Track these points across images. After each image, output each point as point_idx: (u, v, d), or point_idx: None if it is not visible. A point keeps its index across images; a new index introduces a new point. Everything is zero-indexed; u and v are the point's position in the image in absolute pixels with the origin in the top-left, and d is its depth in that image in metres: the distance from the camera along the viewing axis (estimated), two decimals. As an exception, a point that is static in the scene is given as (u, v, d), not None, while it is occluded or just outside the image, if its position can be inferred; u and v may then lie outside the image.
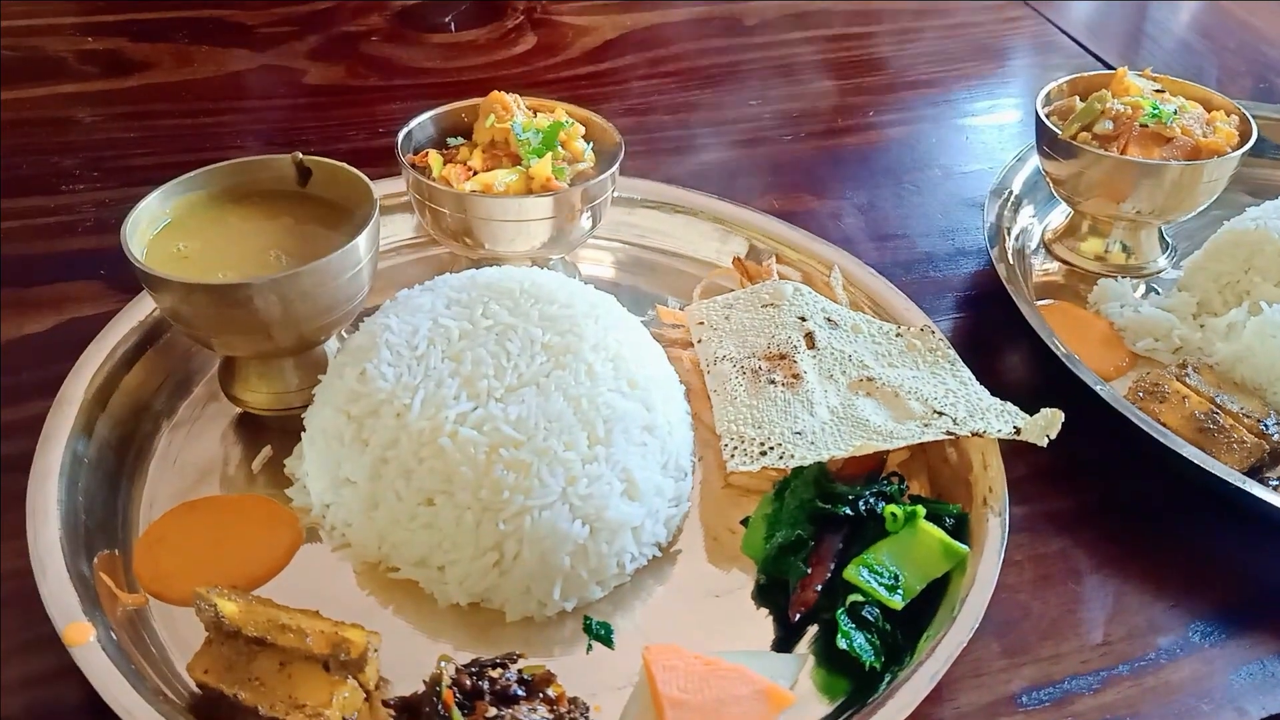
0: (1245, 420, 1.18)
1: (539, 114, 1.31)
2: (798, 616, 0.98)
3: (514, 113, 1.28)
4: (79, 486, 1.04)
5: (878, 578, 0.97)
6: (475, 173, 1.24)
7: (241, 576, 0.99)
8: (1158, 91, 1.45)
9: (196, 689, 0.89)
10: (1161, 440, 1.11)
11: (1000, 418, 1.09)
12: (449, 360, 1.02)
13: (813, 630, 0.99)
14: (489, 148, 1.27)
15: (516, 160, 1.25)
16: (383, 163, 1.33)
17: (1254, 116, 1.40)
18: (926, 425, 1.08)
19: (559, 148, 1.25)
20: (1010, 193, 1.50)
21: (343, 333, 1.18)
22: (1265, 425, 1.18)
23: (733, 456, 1.06)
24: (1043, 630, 1.02)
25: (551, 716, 0.86)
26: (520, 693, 0.86)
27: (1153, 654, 1.01)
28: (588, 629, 0.98)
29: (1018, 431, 1.07)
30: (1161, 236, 1.50)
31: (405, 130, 1.29)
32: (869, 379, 1.14)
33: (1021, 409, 1.10)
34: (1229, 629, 1.03)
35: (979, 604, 0.95)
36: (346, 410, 1.02)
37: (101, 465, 1.08)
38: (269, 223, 1.14)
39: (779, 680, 0.92)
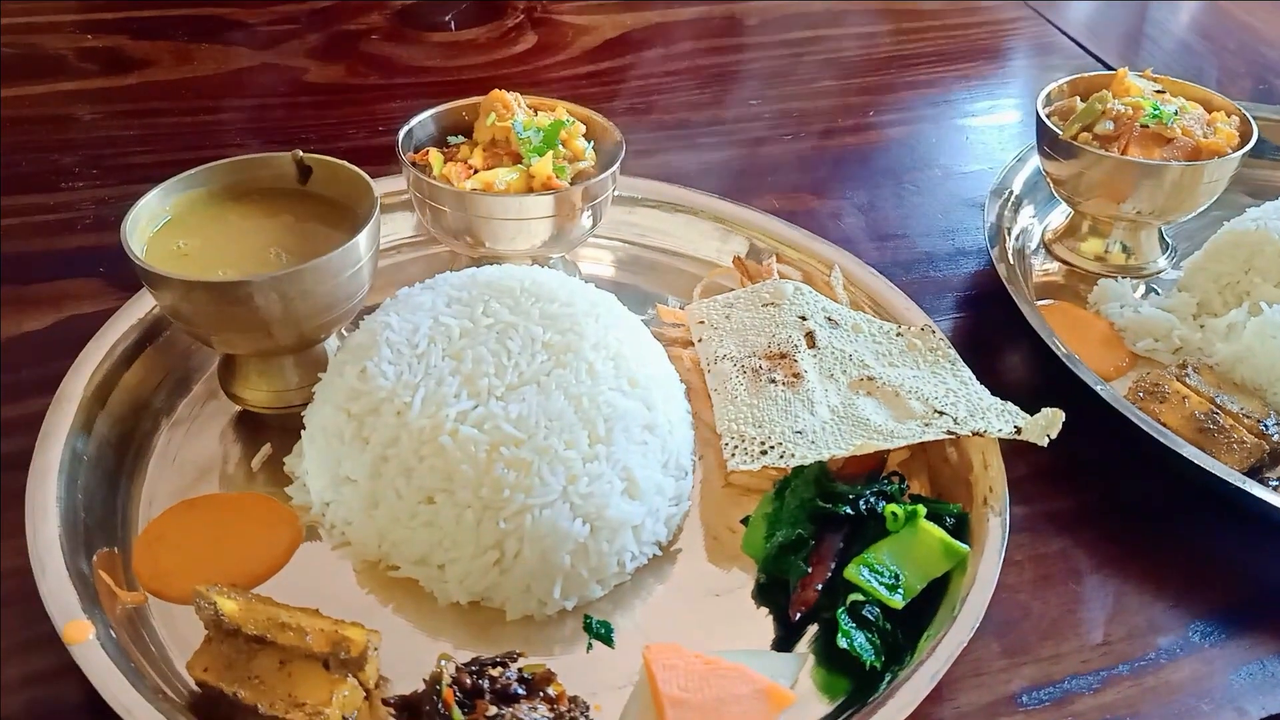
0: (1245, 420, 1.18)
1: (540, 113, 1.31)
2: (798, 616, 0.98)
3: (515, 111, 1.28)
4: (78, 484, 1.04)
5: (878, 577, 0.97)
6: (476, 171, 1.24)
7: (241, 575, 0.99)
8: (1158, 92, 1.46)
9: (196, 687, 0.89)
10: (1162, 440, 1.11)
11: (1001, 417, 1.09)
12: (450, 358, 1.02)
13: (813, 629, 0.99)
14: (490, 146, 1.27)
15: (517, 159, 1.25)
16: (383, 161, 1.34)
17: (1254, 117, 1.40)
18: (927, 425, 1.08)
19: (560, 146, 1.25)
20: (1010, 193, 1.50)
21: (343, 331, 1.18)
22: (1265, 425, 1.18)
23: (733, 455, 1.06)
24: (1043, 630, 1.02)
25: (552, 715, 0.86)
26: (520, 691, 0.86)
27: (1153, 654, 1.01)
28: (588, 628, 0.98)
29: (1018, 431, 1.07)
30: (1161, 237, 1.50)
31: (406, 128, 1.28)
32: (870, 378, 1.14)
33: (1022, 409, 1.10)
34: (1229, 629, 1.03)
35: (979, 604, 0.95)
36: (347, 408, 1.02)
37: (101, 463, 1.08)
38: (269, 220, 1.14)
39: (779, 679, 0.92)
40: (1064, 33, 2.19)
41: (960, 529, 1.03)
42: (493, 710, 0.84)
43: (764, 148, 1.75)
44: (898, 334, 1.22)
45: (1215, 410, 1.18)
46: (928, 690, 0.89)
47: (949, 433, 1.07)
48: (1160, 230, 1.49)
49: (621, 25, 2.09)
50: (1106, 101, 1.41)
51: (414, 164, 1.26)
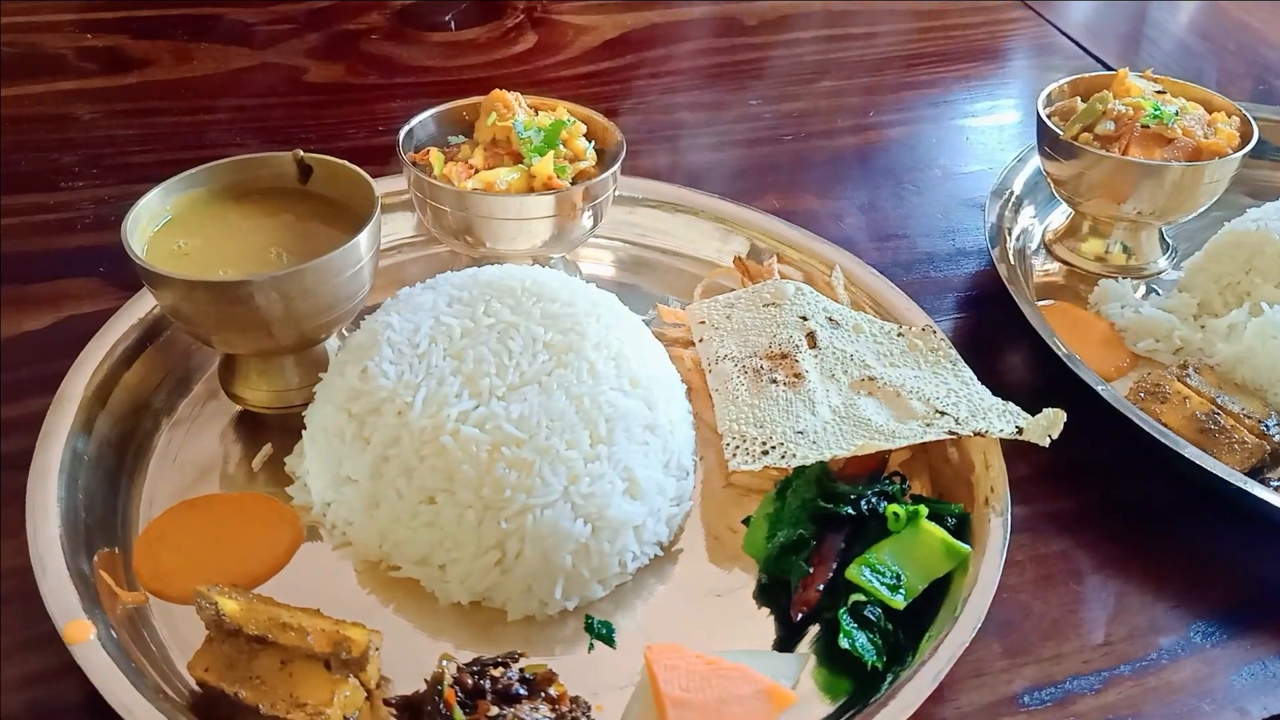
0: (1246, 421, 1.18)
1: (540, 112, 1.31)
2: (799, 616, 0.98)
3: (516, 111, 1.28)
4: (79, 484, 1.04)
5: (880, 577, 0.97)
6: (476, 171, 1.24)
7: (242, 575, 0.98)
8: (1159, 93, 1.46)
9: (197, 687, 0.89)
10: (1163, 441, 1.11)
11: (1002, 418, 1.09)
12: (451, 358, 1.02)
13: (814, 630, 0.99)
14: (490, 146, 1.27)
15: (518, 158, 1.25)
16: (383, 161, 1.34)
17: (1255, 118, 1.41)
18: (928, 425, 1.08)
19: (560, 146, 1.25)
20: (1011, 193, 1.50)
21: (344, 330, 1.18)
22: (1266, 426, 1.18)
23: (734, 455, 1.06)
24: (1044, 630, 1.02)
25: (553, 716, 0.86)
26: (522, 692, 0.86)
27: (1154, 654, 1.01)
28: (589, 628, 0.98)
29: (1020, 431, 1.07)
30: (1162, 237, 1.50)
31: (406, 128, 1.28)
32: (871, 378, 1.14)
33: (1023, 409, 1.10)
34: (1230, 629, 1.03)
35: (981, 604, 0.95)
36: (348, 408, 1.02)
37: (101, 463, 1.08)
38: (270, 220, 1.14)
39: (781, 680, 0.92)
40: (1064, 33, 2.19)
41: (962, 529, 1.03)
42: (494, 710, 0.84)
43: (764, 148, 1.75)
44: (899, 334, 1.22)
45: (1216, 411, 1.18)
46: (929, 691, 0.89)
47: (950, 433, 1.07)
48: (1161, 231, 1.49)
49: (622, 25, 2.09)
50: (1107, 102, 1.41)
51: (414, 164, 1.26)
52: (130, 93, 1.78)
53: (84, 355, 1.14)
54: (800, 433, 1.07)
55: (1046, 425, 1.07)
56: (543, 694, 0.87)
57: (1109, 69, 1.80)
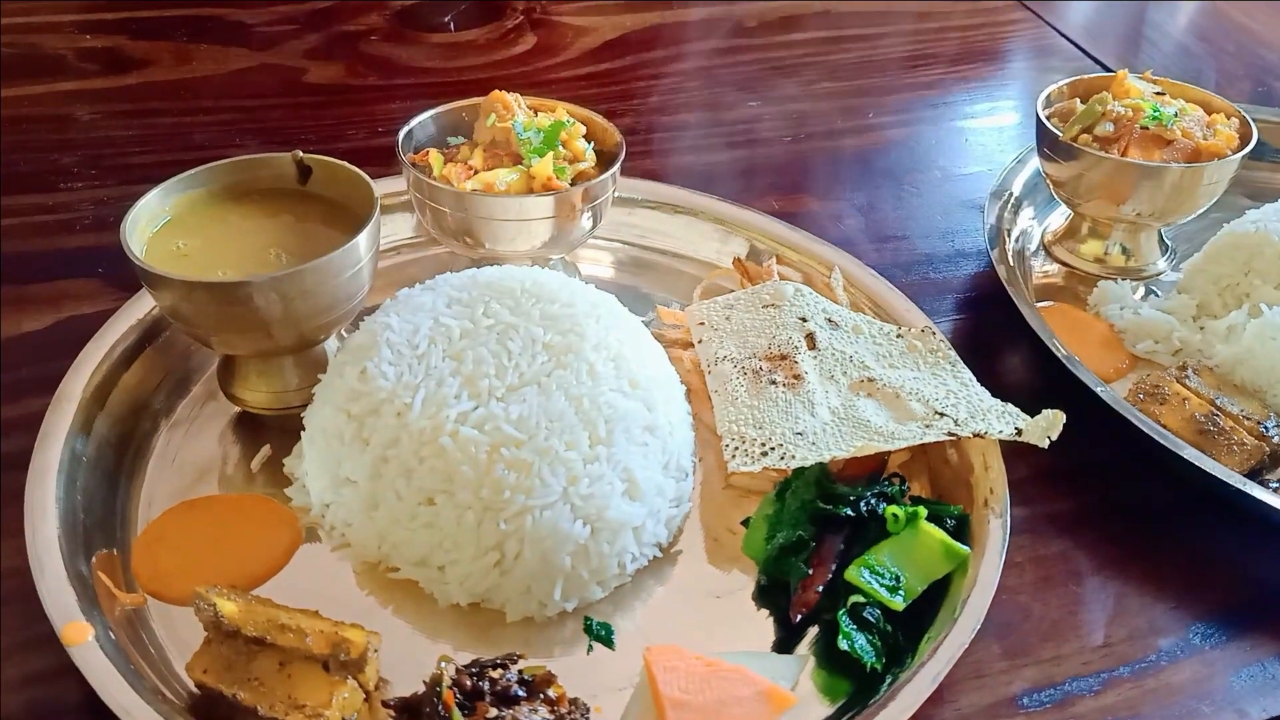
0: (1245, 422, 1.18)
1: (540, 113, 1.31)
2: (799, 617, 0.97)
3: (515, 112, 1.28)
4: (77, 485, 1.03)
5: (879, 579, 0.97)
6: (476, 172, 1.24)
7: (241, 576, 0.98)
8: (1158, 94, 1.46)
9: (195, 689, 0.89)
10: (1162, 442, 1.11)
11: (1001, 419, 1.09)
12: (450, 359, 1.02)
13: (814, 631, 0.99)
14: (490, 147, 1.27)
15: (517, 159, 1.25)
16: (382, 162, 1.33)
17: (1254, 120, 1.41)
18: (928, 426, 1.08)
19: (560, 147, 1.25)
20: (1010, 195, 1.50)
21: (343, 331, 1.18)
22: (1265, 427, 1.18)
23: (734, 457, 1.06)
24: (1044, 632, 1.02)
25: (552, 717, 0.86)
26: (521, 693, 0.86)
27: (1153, 655, 1.01)
28: (588, 629, 0.98)
29: (1019, 433, 1.07)
30: (1161, 239, 1.50)
31: (406, 129, 1.28)
32: (870, 380, 1.14)
33: (1022, 410, 1.10)
34: (1230, 631, 1.03)
35: (980, 605, 0.95)
36: (347, 409, 1.02)
37: (100, 464, 1.08)
38: (269, 221, 1.14)
39: (780, 681, 0.92)
40: (1063, 35, 2.20)
41: (961, 531, 1.03)
42: (493, 712, 0.84)
43: (764, 149, 1.75)
44: (898, 335, 1.22)
45: (1215, 412, 1.18)
46: (929, 692, 0.89)
47: (949, 434, 1.07)
48: (1160, 232, 1.49)
49: (621, 26, 2.09)
50: (1106, 103, 1.41)
51: (414, 165, 1.26)
52: (130, 93, 1.78)
53: (83, 356, 1.14)
54: (799, 434, 1.07)
55: (1046, 427, 1.07)
56: (541, 695, 0.87)
57: (1108, 70, 1.80)
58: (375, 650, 0.89)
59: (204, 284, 1.02)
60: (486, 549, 0.96)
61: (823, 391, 1.13)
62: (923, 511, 1.01)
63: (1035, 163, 1.49)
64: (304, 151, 1.16)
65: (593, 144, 1.30)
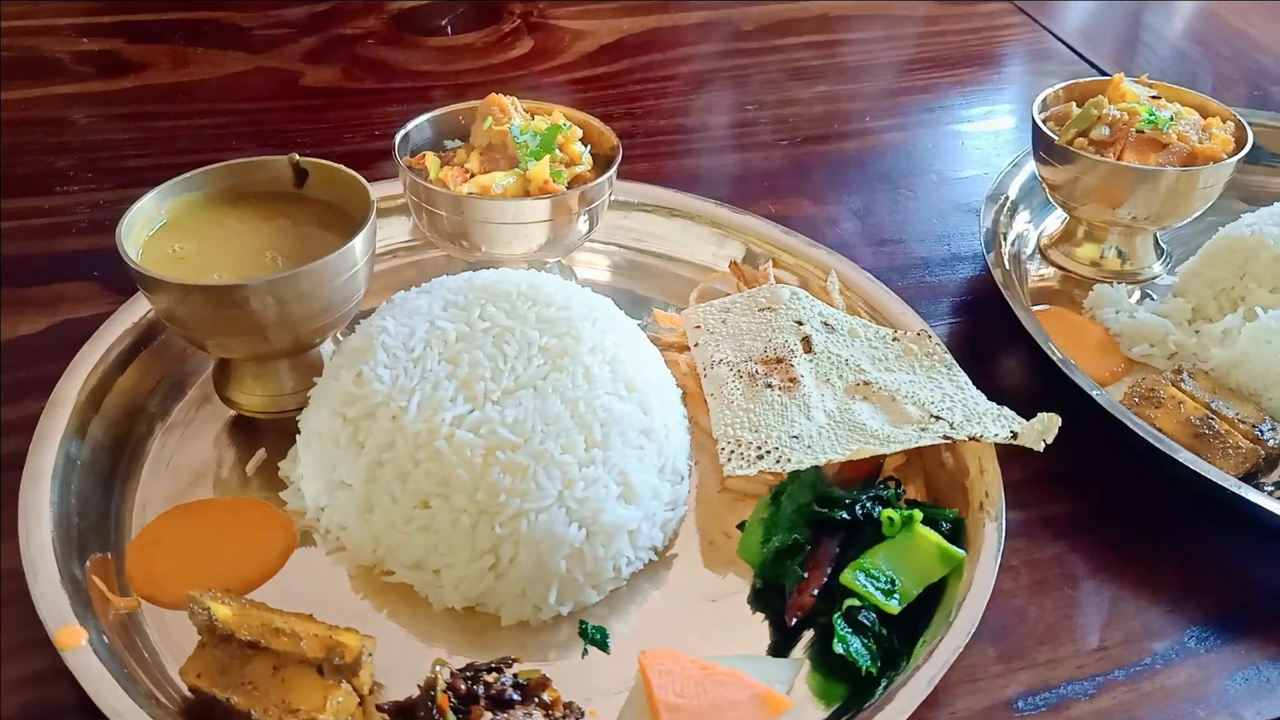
0: (1240, 425, 1.18)
1: (537, 117, 1.31)
2: (794, 621, 0.97)
3: (512, 115, 1.28)
4: (72, 489, 1.03)
5: (874, 582, 0.97)
6: (472, 175, 1.24)
7: (235, 580, 0.98)
8: (1154, 98, 1.46)
9: (189, 693, 0.89)
10: (1157, 445, 1.11)
11: (997, 422, 1.09)
12: (446, 363, 1.02)
13: (809, 635, 0.99)
14: (486, 150, 1.27)
15: (514, 163, 1.25)
16: (379, 165, 1.34)
17: (1249, 123, 1.41)
18: (923, 429, 1.08)
19: (556, 150, 1.25)
20: (1006, 198, 1.51)
21: (339, 335, 1.18)
22: (1260, 430, 1.18)
23: (729, 460, 1.06)
24: (1039, 635, 1.02)
25: (547, 721, 0.86)
26: (515, 697, 0.86)
27: (1149, 659, 1.01)
28: (583, 633, 0.98)
29: (1014, 436, 1.07)
30: (1157, 242, 1.50)
31: (402, 132, 1.28)
32: (866, 383, 1.14)
33: (1018, 414, 1.10)
34: (1225, 634, 1.03)
35: (975, 609, 0.95)
36: (342, 413, 1.02)
37: (95, 467, 1.08)
38: (265, 224, 1.14)
39: (775, 685, 0.92)
40: (1059, 39, 2.20)
41: (956, 534, 1.03)
42: (487, 716, 0.84)
43: (760, 153, 1.75)
44: (894, 339, 1.22)
45: (1210, 415, 1.18)
46: (924, 696, 0.89)
47: (945, 437, 1.07)
48: (1155, 236, 1.49)
49: (618, 30, 2.09)
50: (1102, 107, 1.41)
51: (410, 168, 1.26)
52: (126, 97, 1.78)
53: (78, 359, 1.14)
54: (795, 437, 1.07)
55: (1041, 430, 1.07)
56: (536, 699, 0.87)
57: (1104, 74, 1.81)
58: (370, 654, 0.89)
59: (199, 287, 1.02)
60: (481, 552, 0.96)
61: (818, 395, 1.13)
62: (918, 515, 1.01)
63: (1031, 166, 1.50)
64: (300, 155, 1.16)
65: (589, 147, 1.30)
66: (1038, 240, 1.54)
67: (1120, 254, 1.48)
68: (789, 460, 1.05)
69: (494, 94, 1.30)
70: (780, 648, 0.98)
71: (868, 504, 1.03)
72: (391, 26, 2.05)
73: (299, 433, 1.08)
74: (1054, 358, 1.21)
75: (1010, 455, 1.09)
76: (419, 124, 1.31)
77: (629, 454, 1.01)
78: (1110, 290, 1.41)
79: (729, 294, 1.30)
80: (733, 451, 1.07)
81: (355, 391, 1.02)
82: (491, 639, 0.97)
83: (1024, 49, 2.18)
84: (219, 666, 0.87)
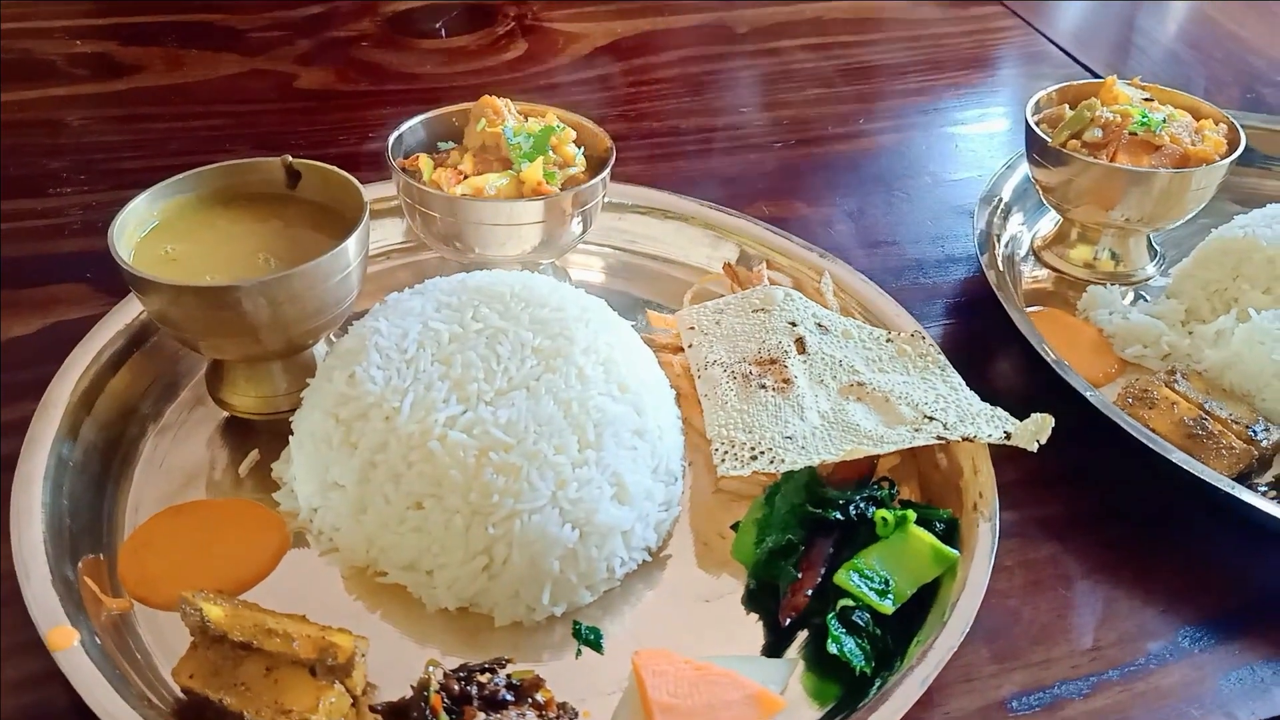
0: (1234, 426, 1.18)
1: (530, 118, 1.31)
2: (788, 621, 0.97)
3: (505, 117, 1.28)
4: (64, 490, 1.03)
5: (868, 582, 0.97)
6: (466, 176, 1.24)
7: (228, 581, 0.98)
8: (1146, 100, 1.46)
9: (182, 694, 0.88)
10: (1151, 446, 1.11)
11: (991, 423, 1.09)
12: (439, 363, 1.02)
13: (803, 635, 0.99)
14: (480, 152, 1.27)
15: (507, 164, 1.25)
16: (372, 167, 1.33)
17: (1242, 126, 1.41)
18: (917, 430, 1.08)
19: (550, 152, 1.25)
20: (1000, 200, 1.51)
21: (331, 336, 1.18)
22: (1253, 431, 1.18)
23: (723, 461, 1.06)
24: (1033, 635, 1.02)
25: (540, 722, 0.85)
26: (509, 698, 0.86)
27: (1143, 659, 1.01)
28: (577, 634, 0.98)
29: (1008, 437, 1.08)
30: (1150, 244, 1.50)
31: (396, 134, 1.28)
32: (860, 384, 1.14)
33: (1011, 414, 1.10)
34: (1219, 634, 1.03)
35: (969, 609, 0.95)
36: (335, 413, 1.02)
37: (87, 469, 1.07)
38: (258, 225, 1.14)
39: (769, 685, 0.92)
40: (1052, 41, 2.21)
41: (950, 534, 1.03)
42: (481, 717, 0.83)
43: (754, 155, 1.75)
44: (888, 340, 1.22)
45: (1204, 416, 1.18)
46: (917, 696, 0.89)
47: (939, 438, 1.07)
48: (1149, 237, 1.49)
49: (612, 33, 2.09)
50: (1095, 109, 1.41)
51: (404, 170, 1.26)
52: (121, 99, 1.77)
53: (70, 361, 1.14)
54: (789, 438, 1.07)
55: (1035, 430, 1.07)
56: (530, 700, 0.86)
57: (1097, 77, 1.81)
58: (363, 655, 0.89)
59: (192, 289, 1.02)
60: (475, 553, 0.96)
61: (812, 396, 1.13)
62: (912, 515, 1.01)
63: (1025, 168, 1.50)
64: (294, 156, 1.16)
65: (583, 149, 1.30)
66: (1031, 242, 1.54)
67: (1114, 255, 1.48)
68: (783, 461, 1.05)
69: (487, 96, 1.30)
70: (774, 648, 0.98)
71: (862, 504, 1.03)
72: (385, 29, 2.05)
73: (292, 434, 1.08)
74: (1048, 359, 1.21)
75: (1004, 456, 1.10)
76: (412, 126, 1.31)
77: (622, 455, 1.01)
78: (1104, 291, 1.42)
79: (723, 295, 1.30)
80: (726, 452, 1.07)
81: (348, 392, 1.01)
82: (485, 640, 0.97)
83: (1017, 51, 2.19)
84: (212, 668, 0.87)
